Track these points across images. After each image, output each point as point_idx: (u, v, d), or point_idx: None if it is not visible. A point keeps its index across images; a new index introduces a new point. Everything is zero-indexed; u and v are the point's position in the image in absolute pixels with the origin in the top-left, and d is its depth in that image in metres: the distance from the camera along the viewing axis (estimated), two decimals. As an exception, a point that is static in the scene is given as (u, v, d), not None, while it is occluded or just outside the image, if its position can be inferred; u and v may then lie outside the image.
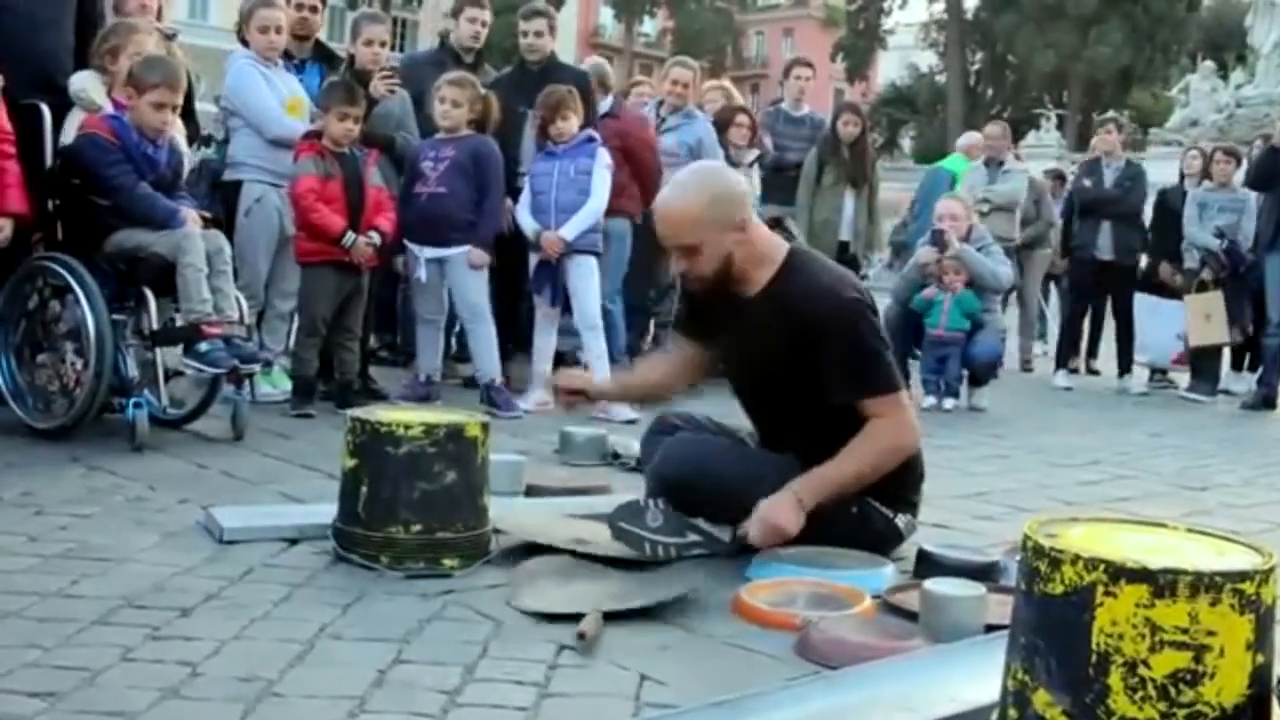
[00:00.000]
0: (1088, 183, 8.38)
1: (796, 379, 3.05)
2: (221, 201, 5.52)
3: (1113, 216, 8.20)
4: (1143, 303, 8.73)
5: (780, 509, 2.95)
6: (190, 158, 5.11)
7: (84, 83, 4.62)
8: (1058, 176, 11.19)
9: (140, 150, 4.38)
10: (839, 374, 2.99)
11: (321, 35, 6.25)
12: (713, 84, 8.81)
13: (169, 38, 5.24)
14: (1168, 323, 8.42)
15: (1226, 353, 8.57)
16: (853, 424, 3.03)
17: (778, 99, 8.70)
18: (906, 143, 48.28)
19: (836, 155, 7.75)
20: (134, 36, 4.72)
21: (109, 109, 4.49)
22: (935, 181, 9.42)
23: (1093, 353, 9.34)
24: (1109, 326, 8.80)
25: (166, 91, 4.40)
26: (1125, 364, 8.40)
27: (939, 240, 6.69)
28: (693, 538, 3.08)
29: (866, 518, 3.12)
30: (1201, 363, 8.16)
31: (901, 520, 3.19)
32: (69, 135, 4.49)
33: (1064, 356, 8.57)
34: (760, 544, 2.97)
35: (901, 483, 3.19)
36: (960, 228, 6.79)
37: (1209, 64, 29.65)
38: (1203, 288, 8.11)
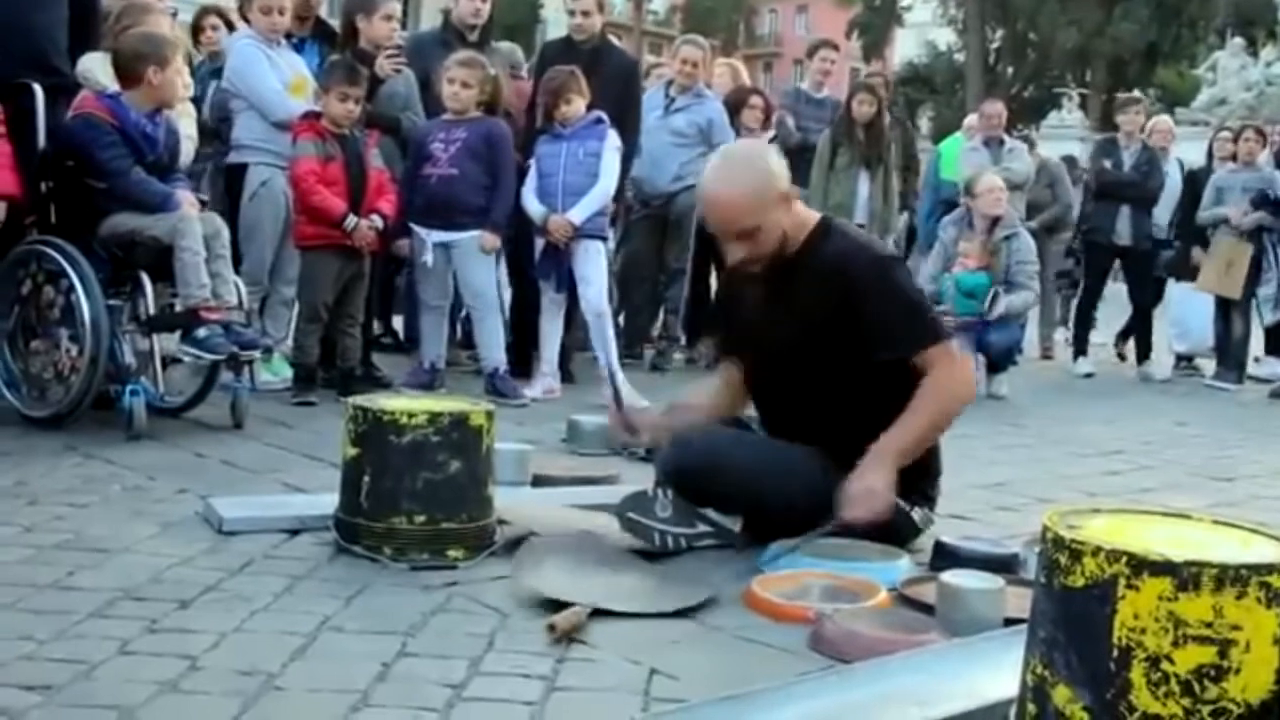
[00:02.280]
0: (1107, 163, 8.32)
1: (833, 345, 3.03)
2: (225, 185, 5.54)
3: (1132, 200, 8.17)
4: (1177, 290, 8.68)
5: (868, 479, 2.91)
6: (194, 141, 5.12)
7: (91, 64, 4.62)
8: (1070, 161, 11.15)
9: (139, 129, 4.38)
10: (888, 329, 3.00)
11: (321, 12, 6.23)
12: (720, 62, 8.79)
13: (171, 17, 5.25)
14: (1205, 309, 8.37)
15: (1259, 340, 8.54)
16: (877, 409, 3.02)
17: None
18: (924, 123, 48.17)
19: (851, 136, 7.72)
20: (149, 17, 4.73)
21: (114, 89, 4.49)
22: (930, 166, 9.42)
23: (1125, 336, 9.27)
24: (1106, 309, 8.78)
25: (153, 26, 4.48)
26: (1145, 349, 8.39)
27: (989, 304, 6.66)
28: (702, 528, 3.09)
29: None
30: (1228, 348, 8.12)
31: (918, 514, 3.19)
32: None
33: (1082, 342, 8.55)
34: (864, 517, 2.89)
35: (920, 475, 3.18)
36: (1001, 205, 6.81)
37: (1238, 41, 29.51)
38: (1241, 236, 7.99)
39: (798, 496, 3.02)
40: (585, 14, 6.29)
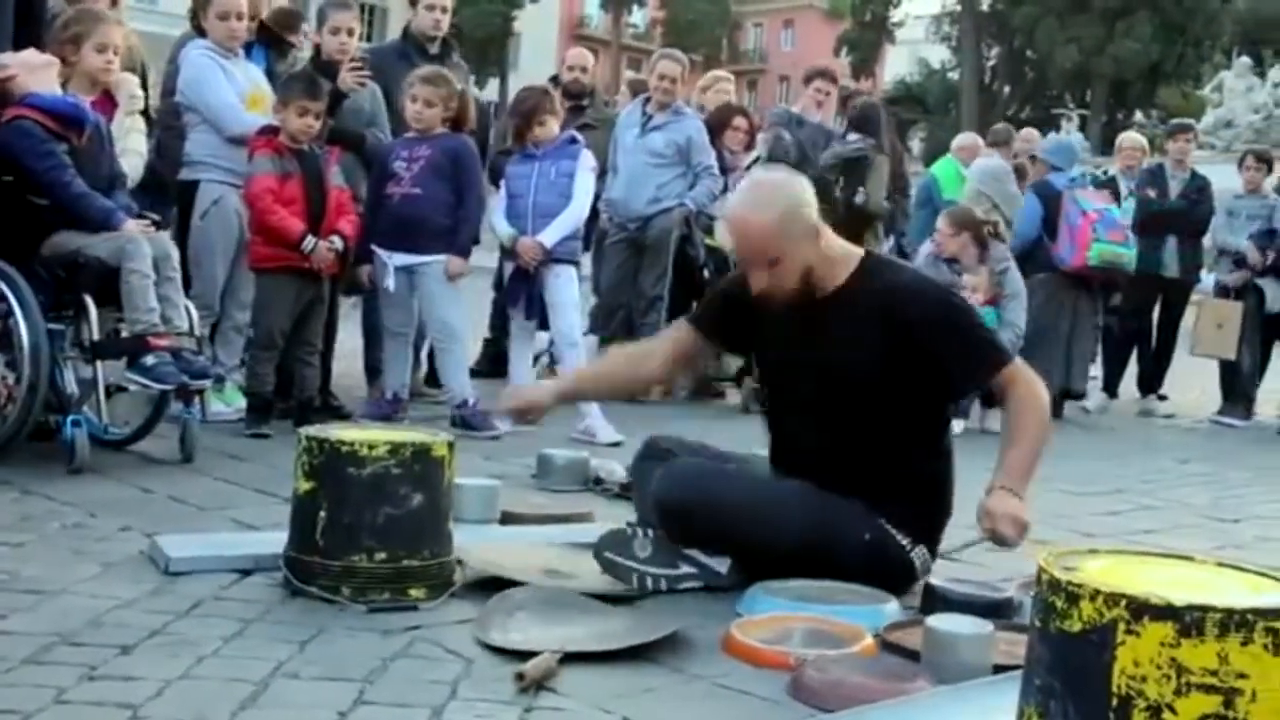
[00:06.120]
0: (1152, 193, 8.31)
1: (884, 380, 3.09)
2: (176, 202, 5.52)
3: (1178, 232, 8.22)
4: None
5: (1009, 502, 3.01)
6: (144, 158, 5.10)
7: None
8: None
9: (69, 104, 4.36)
10: (967, 360, 3.13)
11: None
12: (719, 75, 8.80)
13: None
14: None
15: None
16: (895, 444, 3.14)
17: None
18: (915, 144, 48.49)
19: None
20: (100, 26, 4.71)
21: None
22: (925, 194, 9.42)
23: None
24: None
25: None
26: (1156, 383, 8.42)
27: None
28: (686, 569, 3.09)
29: (881, 545, 3.12)
30: (1235, 384, 8.17)
31: (918, 556, 3.18)
32: None
33: (1115, 381, 8.43)
34: (1013, 541, 3.01)
35: (929, 513, 3.23)
36: (962, 245, 6.83)
37: (1245, 60, 29.82)
38: (1224, 294, 8.10)
39: (790, 536, 3.04)
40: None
